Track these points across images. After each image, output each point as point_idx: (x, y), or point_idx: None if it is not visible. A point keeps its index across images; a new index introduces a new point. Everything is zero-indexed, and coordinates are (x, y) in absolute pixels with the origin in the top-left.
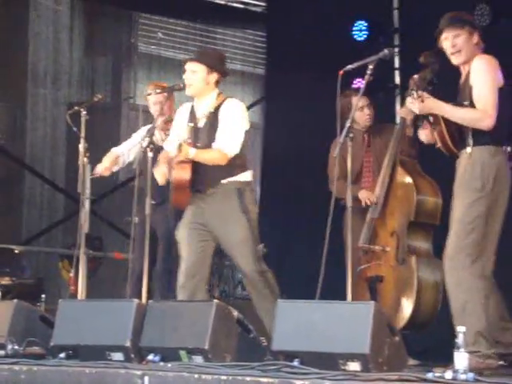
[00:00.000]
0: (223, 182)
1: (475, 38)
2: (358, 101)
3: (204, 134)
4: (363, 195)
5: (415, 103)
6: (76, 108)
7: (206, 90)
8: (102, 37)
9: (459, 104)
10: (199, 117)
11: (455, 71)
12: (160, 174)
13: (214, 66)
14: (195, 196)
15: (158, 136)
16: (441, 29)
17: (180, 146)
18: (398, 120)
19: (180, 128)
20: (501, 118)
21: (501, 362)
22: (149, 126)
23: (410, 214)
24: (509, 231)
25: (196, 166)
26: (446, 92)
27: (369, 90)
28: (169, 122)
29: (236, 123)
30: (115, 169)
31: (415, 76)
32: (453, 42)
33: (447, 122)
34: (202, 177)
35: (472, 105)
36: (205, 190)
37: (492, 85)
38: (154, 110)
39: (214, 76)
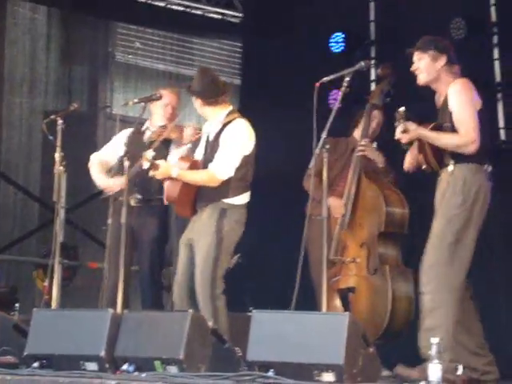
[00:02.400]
0: (213, 201)
1: (440, 62)
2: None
3: (208, 150)
4: (333, 203)
5: (402, 136)
6: (52, 117)
7: (211, 111)
8: (79, 46)
9: (441, 126)
10: (209, 133)
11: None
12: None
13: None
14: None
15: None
16: (411, 51)
17: (156, 165)
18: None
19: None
20: (481, 139)
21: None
22: (128, 130)
23: (380, 225)
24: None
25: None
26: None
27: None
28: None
29: (234, 147)
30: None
31: (400, 109)
32: (416, 64)
33: (431, 144)
34: (199, 193)
35: (453, 127)
36: (200, 207)
37: (471, 109)
38: (164, 112)
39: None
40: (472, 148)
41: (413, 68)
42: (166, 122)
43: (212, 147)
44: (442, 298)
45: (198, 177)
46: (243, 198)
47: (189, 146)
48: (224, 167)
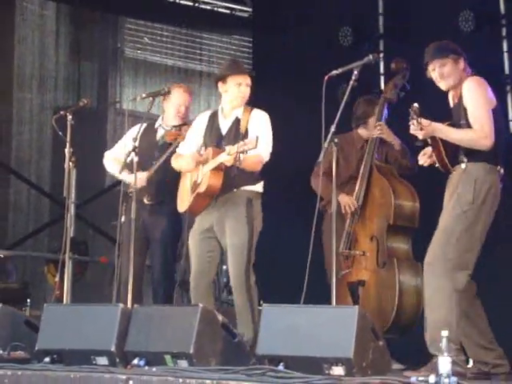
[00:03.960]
0: (235, 189)
1: (461, 64)
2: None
3: (228, 140)
4: (343, 200)
5: (417, 130)
6: (62, 112)
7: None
8: (88, 42)
9: (455, 124)
10: (224, 125)
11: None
12: (189, 177)
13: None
14: (210, 202)
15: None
16: (427, 61)
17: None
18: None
19: (198, 134)
20: (496, 138)
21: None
22: (138, 126)
23: (389, 218)
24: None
25: None
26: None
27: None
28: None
29: (268, 132)
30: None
31: (415, 104)
32: (440, 72)
33: (444, 141)
34: (222, 182)
35: (468, 124)
36: (219, 195)
37: (485, 106)
38: (177, 111)
39: None
40: (486, 143)
41: (436, 77)
42: (179, 122)
43: (236, 134)
44: (444, 294)
45: (252, 161)
46: (260, 186)
47: None
48: (267, 151)
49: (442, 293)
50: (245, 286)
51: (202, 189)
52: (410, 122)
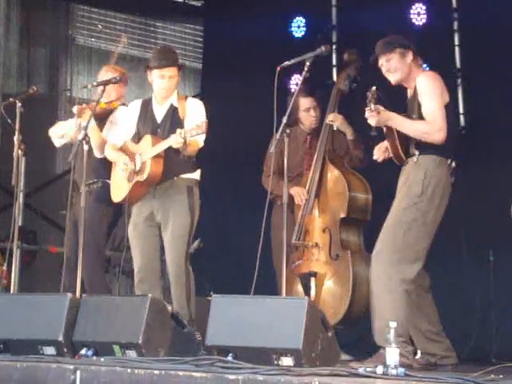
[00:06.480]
0: (175, 178)
1: (409, 57)
2: (304, 102)
3: (165, 128)
4: (295, 191)
5: (372, 116)
6: (11, 99)
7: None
8: (39, 28)
9: (409, 117)
10: (158, 113)
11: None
12: (123, 165)
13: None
14: (148, 190)
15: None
16: (375, 56)
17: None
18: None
19: (131, 122)
20: (448, 132)
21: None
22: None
23: (343, 210)
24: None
25: None
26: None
27: (312, 90)
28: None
29: (203, 120)
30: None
31: (373, 89)
32: (387, 66)
33: (399, 132)
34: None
35: (420, 119)
36: (158, 184)
37: (439, 100)
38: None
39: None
40: (438, 136)
41: (385, 71)
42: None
43: (172, 122)
44: (391, 285)
45: (196, 145)
46: (198, 174)
47: None
48: (202, 137)
49: (388, 284)
50: (185, 275)
51: (142, 177)
52: (367, 107)
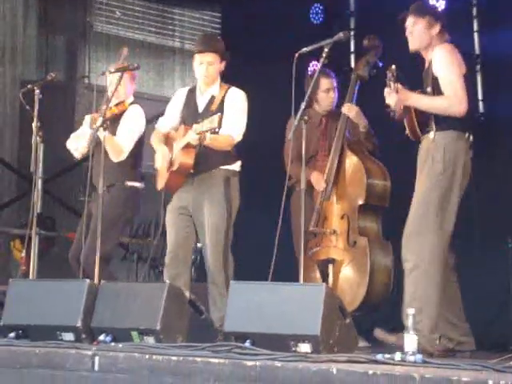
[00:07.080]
0: (213, 170)
1: (435, 29)
2: (324, 82)
3: (204, 119)
4: (314, 177)
5: (391, 94)
6: (29, 86)
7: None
8: (58, 15)
9: (423, 92)
10: (200, 102)
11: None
12: (162, 156)
13: (224, 55)
14: (185, 180)
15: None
16: (405, 14)
17: (200, 133)
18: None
19: (176, 109)
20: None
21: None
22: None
23: (361, 197)
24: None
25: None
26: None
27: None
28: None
29: (241, 112)
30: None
31: (393, 67)
32: (411, 28)
33: (416, 109)
34: (198, 161)
35: (434, 91)
36: (196, 175)
37: (457, 71)
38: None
39: (223, 64)
40: (460, 109)
41: (407, 32)
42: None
43: (213, 113)
44: (425, 266)
45: (221, 141)
46: (238, 165)
47: None
48: (239, 130)
49: (421, 265)
50: (223, 266)
51: (175, 167)
52: (387, 84)
